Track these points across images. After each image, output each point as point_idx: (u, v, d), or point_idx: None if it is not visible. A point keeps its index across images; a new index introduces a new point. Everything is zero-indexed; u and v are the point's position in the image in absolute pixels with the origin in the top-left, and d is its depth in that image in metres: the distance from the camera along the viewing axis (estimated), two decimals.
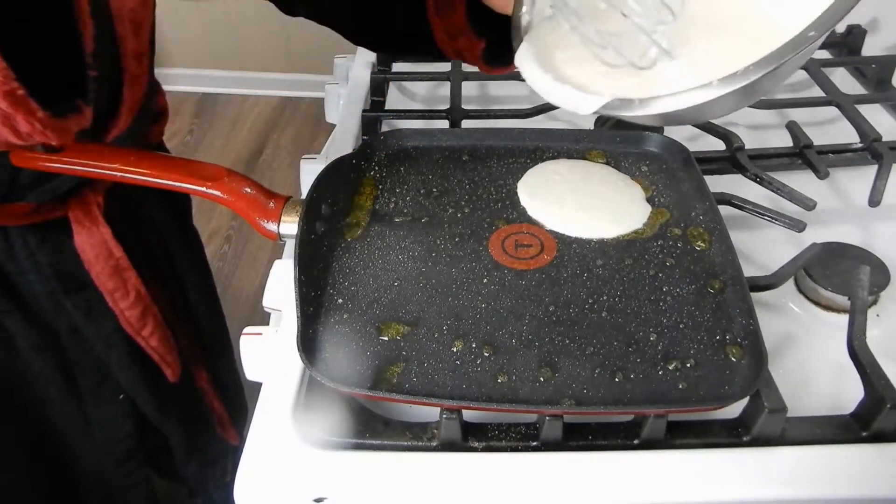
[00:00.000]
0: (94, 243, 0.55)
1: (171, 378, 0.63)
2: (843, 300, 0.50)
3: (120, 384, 0.62)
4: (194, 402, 0.74)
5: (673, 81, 0.37)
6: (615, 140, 0.60)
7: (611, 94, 0.38)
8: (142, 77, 0.52)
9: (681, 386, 0.42)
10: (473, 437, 0.42)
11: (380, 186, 0.56)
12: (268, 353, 0.48)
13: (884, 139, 0.63)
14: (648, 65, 0.38)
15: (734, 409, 0.42)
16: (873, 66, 0.76)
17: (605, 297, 0.47)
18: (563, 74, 0.40)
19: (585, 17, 0.39)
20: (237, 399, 0.86)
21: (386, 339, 0.45)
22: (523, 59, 0.42)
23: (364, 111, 0.69)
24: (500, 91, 0.80)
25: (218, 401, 0.76)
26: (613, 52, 0.38)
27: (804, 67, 0.74)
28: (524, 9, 0.43)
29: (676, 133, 0.62)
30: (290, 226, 0.49)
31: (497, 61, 0.50)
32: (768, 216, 0.54)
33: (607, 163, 0.58)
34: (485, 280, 0.49)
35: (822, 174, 0.60)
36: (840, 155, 0.65)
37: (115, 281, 0.57)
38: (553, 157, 0.58)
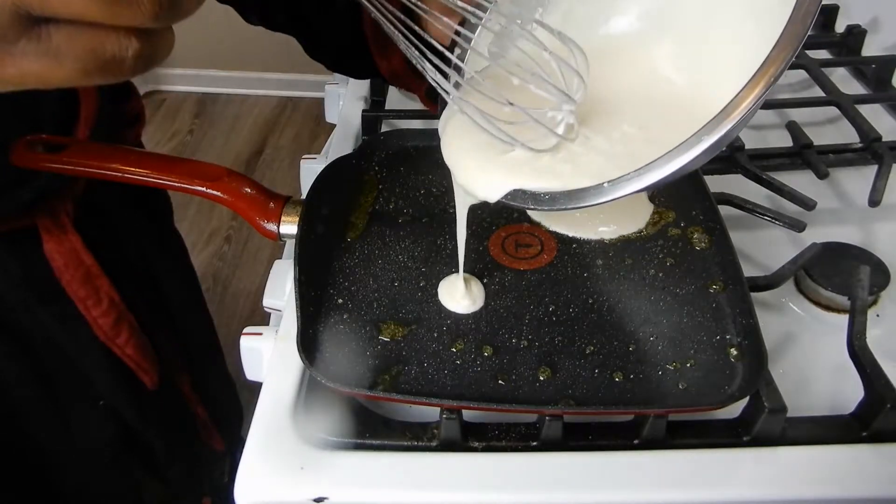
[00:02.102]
0: (63, 251, 0.54)
1: (149, 385, 0.62)
2: (843, 300, 0.50)
3: (99, 391, 0.61)
4: (177, 408, 0.73)
5: (585, 167, 0.36)
6: None
7: (516, 182, 0.36)
8: (93, 90, 0.53)
9: (681, 386, 0.42)
10: (473, 437, 0.42)
11: (380, 186, 0.56)
12: (268, 353, 0.48)
13: (884, 139, 0.63)
14: (546, 148, 0.37)
15: (734, 409, 0.42)
16: (873, 66, 0.75)
17: (605, 297, 0.47)
18: (471, 154, 0.38)
19: (472, 105, 0.36)
20: (227, 404, 0.85)
21: (386, 339, 0.45)
22: (442, 127, 0.41)
23: (364, 111, 0.69)
24: None
25: (202, 407, 0.75)
26: (508, 138, 0.37)
27: (804, 67, 0.74)
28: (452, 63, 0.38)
29: None
30: (290, 226, 0.49)
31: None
32: (768, 216, 0.54)
33: None
34: (485, 280, 0.49)
35: (821, 174, 0.60)
36: (840, 155, 0.65)
37: (87, 289, 0.55)
38: None
